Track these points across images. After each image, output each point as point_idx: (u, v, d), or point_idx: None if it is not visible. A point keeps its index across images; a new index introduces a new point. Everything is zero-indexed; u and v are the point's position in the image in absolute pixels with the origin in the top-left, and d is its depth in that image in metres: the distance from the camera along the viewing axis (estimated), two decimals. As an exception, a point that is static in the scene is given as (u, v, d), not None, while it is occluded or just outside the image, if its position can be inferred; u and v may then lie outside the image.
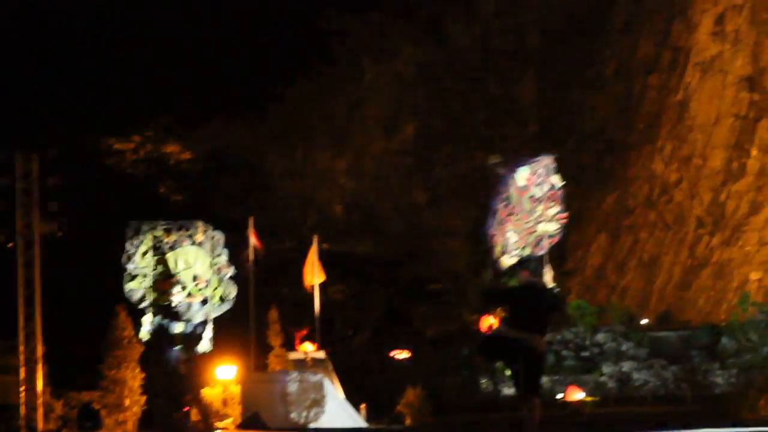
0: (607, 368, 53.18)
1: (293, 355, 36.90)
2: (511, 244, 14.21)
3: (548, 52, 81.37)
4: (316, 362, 37.02)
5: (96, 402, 30.26)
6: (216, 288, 15.80)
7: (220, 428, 30.86)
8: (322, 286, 41.00)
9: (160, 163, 67.89)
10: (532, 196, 14.44)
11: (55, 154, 32.44)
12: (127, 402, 30.64)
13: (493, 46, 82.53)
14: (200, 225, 16.13)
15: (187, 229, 16.07)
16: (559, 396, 48.21)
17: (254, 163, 71.41)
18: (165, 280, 15.68)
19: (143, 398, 31.24)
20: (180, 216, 58.69)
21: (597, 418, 34.85)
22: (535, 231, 14.41)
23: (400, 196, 73.47)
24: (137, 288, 15.54)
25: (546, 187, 14.50)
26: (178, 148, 68.75)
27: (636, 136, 75.42)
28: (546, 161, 14.70)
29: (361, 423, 35.76)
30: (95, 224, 50.17)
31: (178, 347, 15.64)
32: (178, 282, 15.75)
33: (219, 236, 16.05)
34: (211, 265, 15.90)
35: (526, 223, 14.36)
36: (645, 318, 63.81)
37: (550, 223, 14.44)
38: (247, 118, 71.13)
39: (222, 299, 15.77)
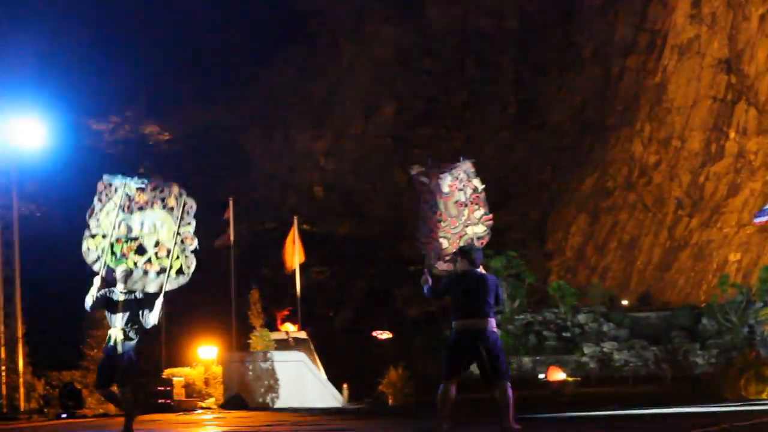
0: (588, 349, 53.33)
1: (275, 336, 36.68)
2: (443, 249, 14.44)
3: (526, 35, 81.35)
4: (298, 342, 36.85)
5: (77, 382, 30.04)
6: (177, 258, 15.20)
7: (203, 407, 30.71)
8: (303, 266, 40.83)
9: (139, 144, 67.59)
10: (457, 201, 14.64)
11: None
12: (108, 382, 30.44)
13: (472, 28, 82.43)
14: (175, 188, 15.52)
15: (162, 191, 15.45)
16: (541, 376, 48.27)
17: (234, 144, 71.16)
18: (126, 243, 15.08)
19: (124, 378, 31.02)
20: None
21: (578, 398, 34.83)
22: (464, 234, 14.61)
23: (380, 177, 73.40)
24: (94, 248, 14.96)
25: (469, 191, 14.74)
26: (157, 128, 68.48)
27: (614, 118, 75.49)
28: (465, 166, 14.90)
29: (344, 403, 35.67)
30: (74, 205, 49.92)
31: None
32: (139, 246, 15.18)
33: (191, 203, 15.39)
34: (177, 234, 15.28)
35: (455, 227, 14.58)
36: (625, 299, 64.01)
37: (477, 226, 14.64)
38: (226, 99, 70.86)
39: (180, 272, 15.16)
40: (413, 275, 69.87)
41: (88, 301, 15.01)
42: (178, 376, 31.58)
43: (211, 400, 31.96)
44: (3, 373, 28.71)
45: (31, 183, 31.94)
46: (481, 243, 14.49)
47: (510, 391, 13.45)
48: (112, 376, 15.67)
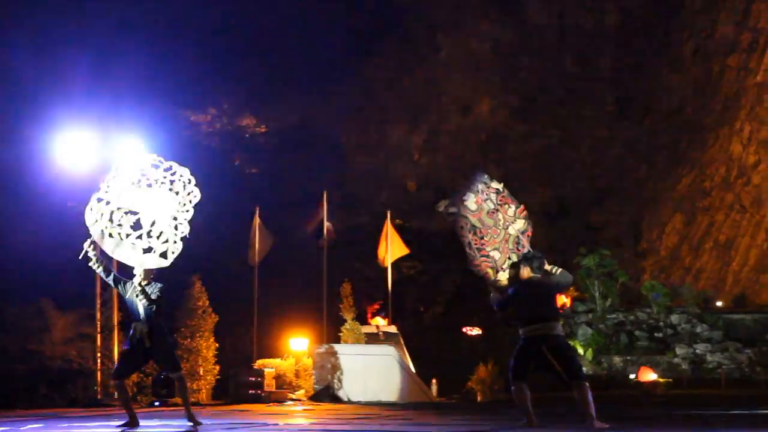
0: (680, 350, 52.81)
1: (365, 329, 36.92)
2: (498, 260, 14.58)
3: (626, 31, 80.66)
4: (388, 336, 37.06)
5: (170, 370, 30.49)
6: (165, 242, 15.35)
7: (293, 399, 31.03)
8: (395, 261, 40.99)
9: (236, 136, 68.26)
10: (488, 211, 14.78)
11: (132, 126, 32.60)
12: (201, 371, 30.92)
13: (571, 24, 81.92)
14: (186, 173, 15.68)
15: (173, 173, 15.61)
16: (632, 376, 47.95)
17: (329, 137, 71.53)
18: (126, 214, 15.26)
19: (217, 368, 31.49)
20: (253, 188, 59.14)
21: (670, 400, 34.55)
22: (509, 236, 14.72)
23: (474, 173, 73.28)
24: (97, 210, 15.15)
25: (494, 196, 14.87)
26: (254, 121, 69.08)
27: (714, 118, 74.52)
28: (479, 178, 15.06)
29: (432, 397, 35.77)
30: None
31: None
32: (137, 221, 15.35)
33: (196, 193, 15.56)
34: (174, 218, 15.45)
35: (498, 235, 14.71)
36: (720, 300, 63.22)
37: (516, 222, 14.75)
38: (322, 92, 71.23)
39: (164, 255, 15.30)
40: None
41: (101, 271, 15.32)
42: (269, 367, 31.93)
43: (302, 391, 32.26)
44: (98, 360, 29.30)
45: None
46: (528, 235, 14.67)
47: (588, 391, 13.68)
48: (131, 368, 16.02)
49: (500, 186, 14.96)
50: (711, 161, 73.22)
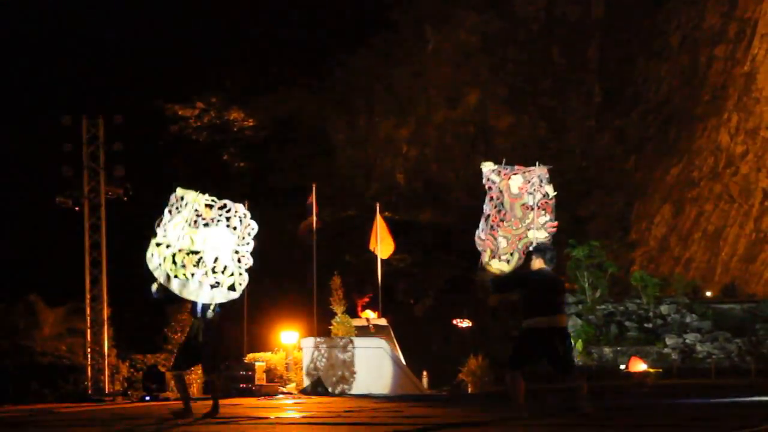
0: (670, 340, 52.90)
1: (355, 322, 36.86)
2: (501, 248, 14.45)
3: (613, 22, 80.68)
4: (378, 329, 37.00)
5: (161, 365, 30.52)
6: (231, 275, 15.81)
7: (284, 392, 31.02)
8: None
9: (224, 130, 68.17)
10: (524, 204, 14.59)
11: (121, 119, 32.59)
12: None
13: (557, 16, 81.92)
14: (240, 209, 16.07)
15: (228, 210, 16.03)
16: (622, 367, 48.00)
17: (317, 130, 71.46)
18: (188, 255, 15.70)
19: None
20: (242, 183, 59.10)
21: (660, 390, 34.58)
22: (525, 237, 14.60)
23: (463, 165, 73.29)
24: (157, 255, 15.56)
25: (538, 197, 14.68)
26: (242, 115, 68.99)
27: (701, 108, 74.61)
28: (540, 171, 14.84)
29: (423, 390, 35.77)
30: (160, 189, 50.57)
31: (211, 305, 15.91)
32: (200, 260, 15.78)
33: (253, 226, 16.02)
34: (236, 252, 15.93)
35: (517, 229, 14.56)
36: (709, 290, 63.34)
37: (540, 231, 14.61)
38: (310, 85, 71.16)
39: (232, 288, 15.83)
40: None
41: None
42: (260, 361, 31.96)
43: (292, 385, 32.27)
44: (89, 356, 29.29)
45: (118, 167, 32.35)
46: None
47: (583, 382, 13.85)
48: (188, 362, 16.35)
49: (552, 192, 14.76)
50: (699, 151, 73.32)
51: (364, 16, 73.51)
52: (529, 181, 14.74)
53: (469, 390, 37.91)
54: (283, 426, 15.69)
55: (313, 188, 37.39)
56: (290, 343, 33.67)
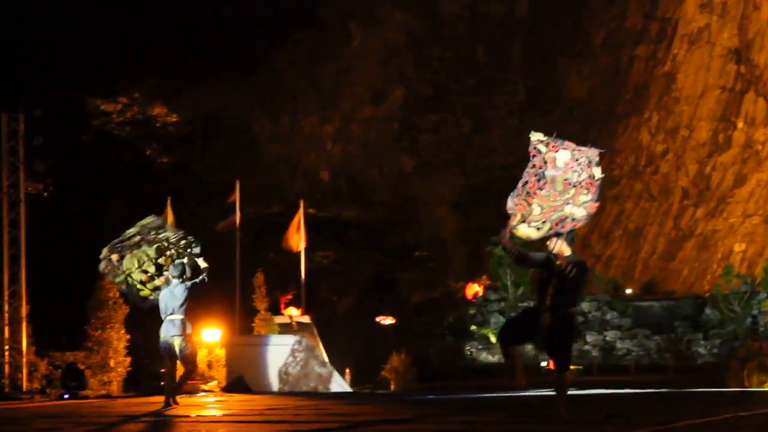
0: (591, 337, 53.31)
1: (278, 319, 36.83)
2: (533, 215, 14.11)
3: (536, 21, 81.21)
4: (301, 326, 36.95)
5: (80, 362, 30.22)
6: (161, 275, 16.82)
7: (206, 390, 30.85)
8: (308, 251, 40.89)
9: (147, 125, 67.59)
10: (567, 179, 14.23)
11: (41, 114, 32.21)
12: (111, 363, 30.66)
13: (482, 14, 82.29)
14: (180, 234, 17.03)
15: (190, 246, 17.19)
16: (543, 364, 48.29)
17: (241, 126, 71.12)
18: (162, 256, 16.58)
19: (128, 359, 31.25)
20: (165, 179, 58.64)
21: (580, 386, 34.93)
22: (560, 210, 14.22)
23: (387, 162, 73.41)
24: (121, 277, 16.36)
25: (584, 176, 14.30)
26: (165, 110, 68.44)
27: (623, 107, 75.39)
28: (591, 152, 14.50)
29: (346, 387, 35.80)
30: (81, 185, 50.06)
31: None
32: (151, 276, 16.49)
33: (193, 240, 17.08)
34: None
35: (554, 201, 14.20)
36: (629, 288, 63.95)
37: (578, 208, 14.26)
38: (234, 81, 70.77)
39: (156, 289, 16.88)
40: (418, 261, 70.12)
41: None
42: (181, 358, 31.69)
43: (214, 383, 32.11)
44: (6, 353, 28.92)
45: (38, 162, 32.00)
46: (574, 225, 14.23)
47: (565, 383, 14.31)
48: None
49: (599, 174, 14.40)
50: (620, 150, 74.02)
51: (289, 13, 73.29)
52: (577, 159, 14.36)
53: (392, 387, 38.05)
54: (204, 424, 15.63)
55: (237, 185, 37.24)
56: (212, 340, 33.49)
